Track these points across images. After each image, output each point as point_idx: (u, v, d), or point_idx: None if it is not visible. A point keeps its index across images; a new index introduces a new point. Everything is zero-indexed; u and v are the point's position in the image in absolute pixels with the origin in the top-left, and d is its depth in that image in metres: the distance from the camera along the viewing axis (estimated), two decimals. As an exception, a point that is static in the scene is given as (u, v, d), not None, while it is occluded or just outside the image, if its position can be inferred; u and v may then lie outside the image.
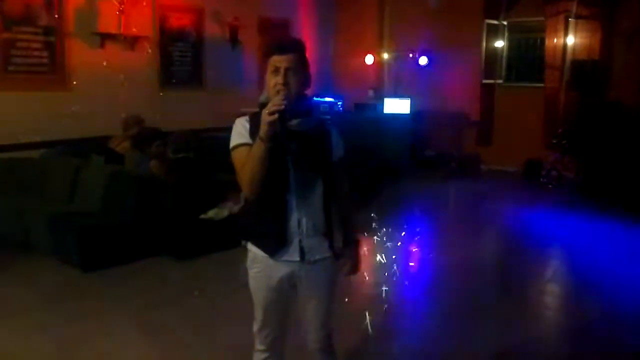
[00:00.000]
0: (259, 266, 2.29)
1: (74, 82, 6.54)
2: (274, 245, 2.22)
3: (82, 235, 4.81)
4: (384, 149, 8.64)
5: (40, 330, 3.72)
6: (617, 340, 3.76)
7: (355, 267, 2.44)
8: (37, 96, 6.24)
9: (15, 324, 3.82)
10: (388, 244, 5.66)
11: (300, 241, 2.20)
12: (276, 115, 1.95)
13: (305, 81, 2.16)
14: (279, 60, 2.09)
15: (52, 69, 6.41)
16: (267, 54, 2.15)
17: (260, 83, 9.14)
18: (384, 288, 4.50)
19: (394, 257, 5.32)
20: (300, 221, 2.19)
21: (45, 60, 6.33)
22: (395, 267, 5.01)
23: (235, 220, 5.44)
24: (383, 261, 5.21)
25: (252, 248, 2.32)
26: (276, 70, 2.09)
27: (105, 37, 6.78)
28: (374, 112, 9.84)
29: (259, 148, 2.02)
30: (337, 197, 2.32)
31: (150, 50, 7.44)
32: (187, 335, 3.72)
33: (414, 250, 5.72)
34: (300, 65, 2.12)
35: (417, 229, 6.43)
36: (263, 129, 1.99)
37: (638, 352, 3.63)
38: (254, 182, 2.09)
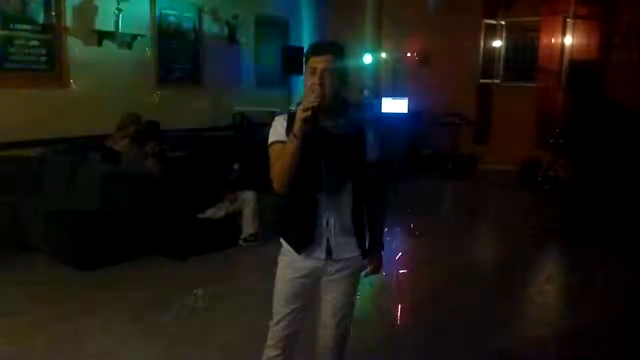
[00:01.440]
0: (287, 258, 2.35)
1: (71, 80, 6.52)
2: (301, 241, 2.28)
3: (78, 234, 4.82)
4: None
5: (36, 329, 3.71)
6: (617, 341, 3.77)
7: (376, 269, 2.47)
8: (34, 94, 6.21)
9: (10, 323, 3.81)
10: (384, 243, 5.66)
11: (327, 240, 2.26)
12: (309, 112, 2.03)
13: (342, 82, 2.20)
14: (316, 61, 2.14)
15: (50, 67, 6.38)
16: (306, 57, 2.19)
17: (257, 82, 9.18)
18: (378, 288, 4.51)
19: (390, 257, 5.33)
20: (329, 221, 2.25)
21: (42, 58, 6.31)
22: (390, 267, 5.02)
23: (232, 220, 5.47)
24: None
25: (284, 241, 2.38)
26: (313, 71, 2.14)
27: (102, 35, 6.76)
28: (371, 112, 9.82)
29: (291, 144, 2.09)
30: (369, 199, 2.35)
31: (147, 48, 7.42)
32: (183, 334, 3.72)
33: (410, 249, 5.73)
34: (338, 67, 2.16)
35: (414, 229, 6.44)
36: (296, 125, 2.06)
37: (637, 353, 3.64)
38: (283, 177, 2.15)
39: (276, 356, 2.38)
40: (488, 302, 4.40)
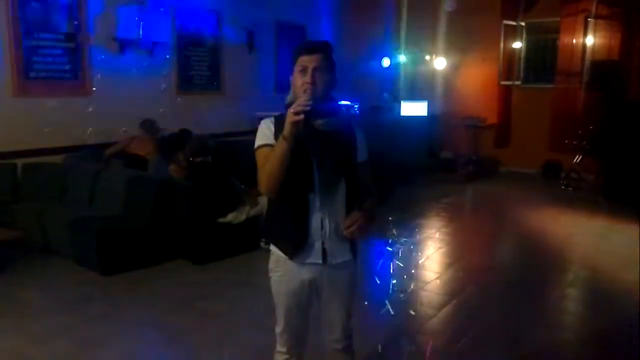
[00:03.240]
0: (281, 270, 2.29)
1: (94, 88, 6.62)
2: (295, 245, 2.20)
3: (102, 239, 4.87)
4: (401, 152, 8.62)
5: (60, 334, 3.76)
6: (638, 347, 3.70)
7: (359, 227, 2.12)
8: (58, 102, 6.32)
9: (35, 327, 3.87)
10: (405, 246, 5.65)
11: (322, 243, 2.20)
12: (301, 116, 1.95)
13: (331, 82, 2.16)
14: (307, 60, 2.10)
15: (73, 75, 6.50)
16: (295, 55, 2.15)
17: (277, 87, 9.21)
18: (401, 291, 4.49)
19: (411, 260, 5.31)
20: (323, 222, 2.18)
21: (66, 67, 6.42)
22: (412, 271, 5.00)
23: (253, 224, 5.48)
24: (401, 265, 5.19)
25: (275, 251, 2.31)
26: (303, 70, 2.10)
27: (124, 43, 6.86)
28: (391, 115, 9.83)
29: (280, 147, 2.02)
30: (360, 199, 2.27)
31: (168, 56, 7.51)
32: (205, 338, 3.74)
33: (432, 252, 5.69)
34: (328, 66, 2.13)
35: (435, 232, 6.40)
36: (287, 128, 1.99)
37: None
38: (272, 181, 2.09)
39: None
40: (509, 305, 4.35)
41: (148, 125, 6.26)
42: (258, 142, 2.19)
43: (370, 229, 2.21)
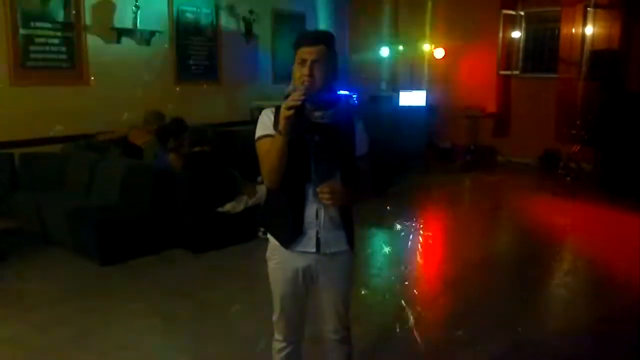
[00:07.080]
0: (277, 258, 2.31)
1: (92, 78, 6.60)
2: (289, 234, 2.23)
3: (101, 229, 4.87)
4: (400, 141, 8.61)
5: (59, 323, 3.78)
6: (635, 334, 3.72)
7: (332, 197, 2.09)
8: (55, 91, 6.30)
9: (35, 317, 3.88)
10: (404, 236, 5.66)
11: (317, 232, 2.21)
12: (292, 111, 1.96)
13: (332, 73, 2.15)
14: (306, 52, 2.09)
15: (70, 64, 6.47)
16: (295, 46, 2.14)
17: (275, 77, 9.19)
18: (398, 281, 4.51)
19: (410, 249, 5.32)
20: (318, 212, 2.20)
21: (63, 56, 6.40)
22: (410, 260, 5.01)
23: (251, 213, 5.49)
24: (398, 254, 5.21)
25: (271, 239, 2.34)
26: (302, 62, 2.09)
27: (121, 32, 6.83)
28: (389, 105, 9.80)
29: (277, 141, 2.04)
30: (357, 190, 2.27)
31: (166, 45, 7.48)
32: (203, 327, 3.75)
33: (430, 242, 5.70)
34: (328, 58, 2.11)
35: (433, 222, 6.42)
36: (281, 123, 2.01)
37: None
38: (273, 174, 2.11)
39: (283, 348, 2.39)
40: (506, 294, 4.37)
41: (153, 117, 6.23)
42: (258, 132, 2.20)
43: (343, 203, 2.17)
